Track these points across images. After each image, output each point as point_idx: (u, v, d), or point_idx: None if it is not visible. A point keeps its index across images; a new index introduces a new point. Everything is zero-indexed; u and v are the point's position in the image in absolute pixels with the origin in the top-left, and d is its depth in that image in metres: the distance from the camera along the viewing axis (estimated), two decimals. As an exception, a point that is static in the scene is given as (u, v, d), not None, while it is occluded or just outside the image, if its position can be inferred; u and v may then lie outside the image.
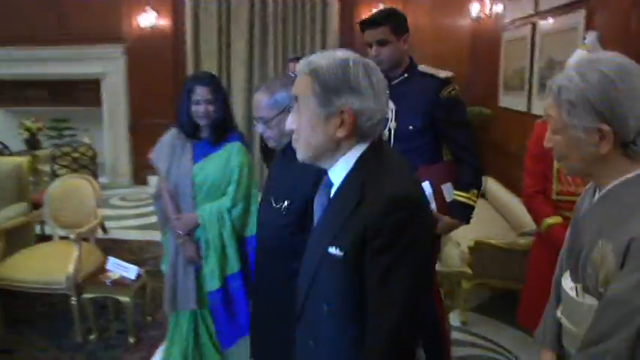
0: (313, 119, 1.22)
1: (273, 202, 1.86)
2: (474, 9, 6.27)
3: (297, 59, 3.77)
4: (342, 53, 1.24)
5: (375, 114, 1.21)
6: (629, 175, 1.20)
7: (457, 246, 3.44)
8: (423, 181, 2.40)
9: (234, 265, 2.45)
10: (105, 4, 7.41)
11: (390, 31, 2.36)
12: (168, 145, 2.52)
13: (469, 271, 3.08)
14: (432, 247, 1.23)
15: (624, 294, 1.11)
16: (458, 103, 2.44)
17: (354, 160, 1.24)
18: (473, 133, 2.48)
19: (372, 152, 1.24)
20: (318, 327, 1.28)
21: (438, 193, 2.42)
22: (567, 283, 1.34)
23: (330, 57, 1.22)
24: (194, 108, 2.38)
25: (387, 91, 1.26)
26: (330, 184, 1.29)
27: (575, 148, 1.22)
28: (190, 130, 2.46)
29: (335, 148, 1.24)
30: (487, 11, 5.92)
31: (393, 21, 2.38)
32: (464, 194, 2.39)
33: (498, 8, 5.53)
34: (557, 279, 1.45)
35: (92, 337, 3.33)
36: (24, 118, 7.23)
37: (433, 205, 2.38)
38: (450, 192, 2.42)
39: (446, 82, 2.41)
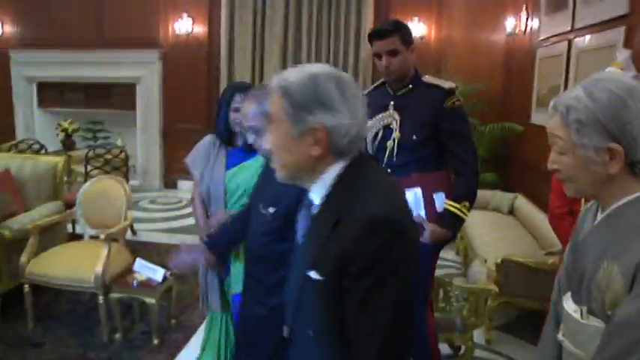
0: (286, 138, 1.18)
1: (261, 208, 1.87)
2: (509, 24, 6.23)
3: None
4: (314, 68, 1.19)
5: (350, 130, 1.16)
6: (635, 195, 1.18)
7: (484, 263, 3.40)
8: (415, 187, 2.41)
9: None
10: (142, 10, 7.59)
11: (400, 41, 2.38)
12: (203, 150, 2.57)
13: (495, 288, 3.04)
14: (416, 270, 1.17)
15: (634, 318, 1.08)
16: (461, 114, 2.44)
17: (332, 179, 1.19)
18: (474, 145, 2.47)
19: (351, 170, 1.19)
20: (305, 352, 1.25)
21: (429, 201, 2.42)
22: (570, 305, 1.30)
23: (300, 72, 1.18)
24: (232, 115, 2.43)
25: (366, 105, 1.21)
26: (312, 204, 1.25)
27: (584, 169, 1.19)
28: (226, 137, 2.51)
29: (312, 168, 1.19)
30: (522, 27, 5.86)
31: (402, 31, 2.40)
32: (455, 205, 2.38)
33: (534, 24, 5.47)
34: (556, 301, 1.41)
35: (117, 336, 3.38)
36: (61, 119, 7.44)
37: (423, 213, 2.40)
38: (441, 201, 2.42)
39: (450, 92, 2.41)
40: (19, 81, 8.25)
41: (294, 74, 1.18)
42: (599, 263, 1.17)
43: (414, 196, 2.41)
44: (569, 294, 1.32)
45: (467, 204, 2.40)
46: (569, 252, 1.38)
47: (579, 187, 1.25)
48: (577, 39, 4.19)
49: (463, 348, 3.13)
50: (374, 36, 2.43)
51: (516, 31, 6.07)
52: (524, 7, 5.80)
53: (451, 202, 2.39)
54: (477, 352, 3.22)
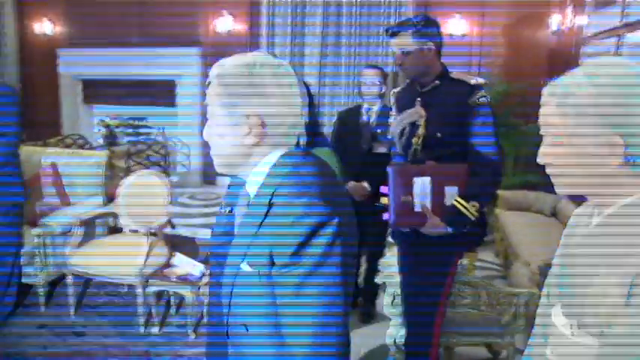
0: (221, 127, 1.16)
1: (221, 207, 1.86)
2: (554, 22, 6.05)
3: (373, 67, 3.74)
4: (250, 56, 1.17)
5: (285, 119, 1.14)
6: (635, 196, 1.03)
7: (526, 265, 3.31)
8: (424, 176, 2.33)
9: None
10: (183, 8, 7.68)
11: (411, 40, 2.31)
12: None
13: (538, 292, 2.94)
14: (347, 260, 1.11)
15: (633, 335, 0.95)
16: (486, 111, 2.31)
17: (267, 169, 1.16)
18: (497, 145, 2.34)
19: (288, 160, 1.16)
20: (241, 348, 1.21)
21: (437, 192, 2.33)
22: (559, 319, 1.14)
23: (236, 61, 1.16)
24: None
25: (304, 94, 1.18)
26: (247, 196, 1.22)
27: (580, 163, 1.05)
28: None
29: (246, 157, 1.17)
30: (568, 24, 5.68)
31: (413, 30, 2.31)
32: (463, 203, 2.28)
33: (580, 20, 5.30)
34: (544, 312, 1.25)
35: (154, 329, 3.43)
36: (104, 116, 7.61)
37: (428, 202, 2.32)
38: (451, 196, 2.32)
39: (475, 87, 2.31)
40: (65, 78, 8.49)
41: (231, 62, 1.16)
42: (594, 272, 1.04)
43: (421, 184, 2.34)
44: (558, 306, 1.17)
45: (476, 204, 2.29)
46: (559, 258, 1.22)
47: (571, 185, 1.10)
48: (628, 34, 4.03)
49: (504, 352, 3.05)
50: (387, 33, 2.39)
51: (562, 28, 5.89)
52: (568, 2, 5.62)
53: (460, 200, 2.30)
54: (519, 358, 3.13)
